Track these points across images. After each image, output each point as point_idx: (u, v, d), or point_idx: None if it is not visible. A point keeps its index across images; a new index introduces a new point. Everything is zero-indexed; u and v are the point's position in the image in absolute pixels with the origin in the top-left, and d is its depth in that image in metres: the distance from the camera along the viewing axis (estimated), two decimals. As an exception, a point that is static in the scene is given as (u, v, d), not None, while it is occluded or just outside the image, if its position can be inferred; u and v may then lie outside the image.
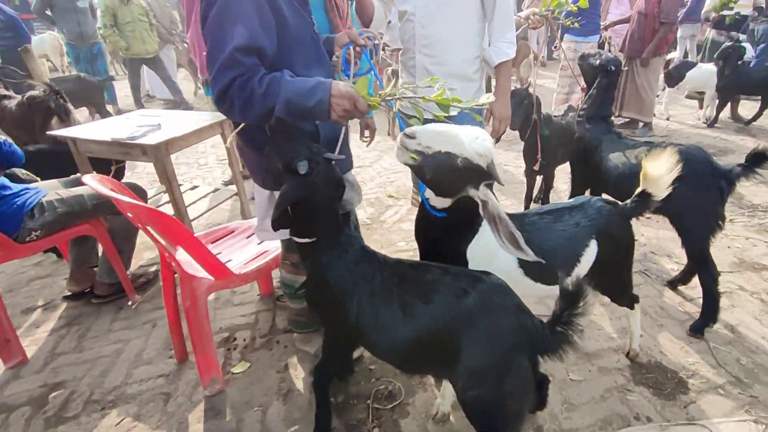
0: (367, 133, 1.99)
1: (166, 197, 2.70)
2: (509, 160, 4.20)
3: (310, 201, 1.21)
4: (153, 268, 2.62)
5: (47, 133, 2.51)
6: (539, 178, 3.01)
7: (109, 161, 2.74)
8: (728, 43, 4.53)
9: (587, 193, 2.39)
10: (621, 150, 2.10)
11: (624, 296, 1.72)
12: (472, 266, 1.36)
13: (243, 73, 1.12)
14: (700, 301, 2.04)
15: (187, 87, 7.38)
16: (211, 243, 1.93)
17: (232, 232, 2.00)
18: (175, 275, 1.84)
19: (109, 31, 5.54)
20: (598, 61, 2.22)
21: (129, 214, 1.46)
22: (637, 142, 2.17)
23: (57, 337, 2.13)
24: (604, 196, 1.92)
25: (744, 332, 1.99)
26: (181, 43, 6.87)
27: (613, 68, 2.20)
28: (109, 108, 5.57)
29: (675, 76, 4.92)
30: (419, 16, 1.78)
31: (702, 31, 6.51)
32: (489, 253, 1.37)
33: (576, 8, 2.29)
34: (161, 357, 1.98)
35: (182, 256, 1.66)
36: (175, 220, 1.43)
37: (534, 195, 3.01)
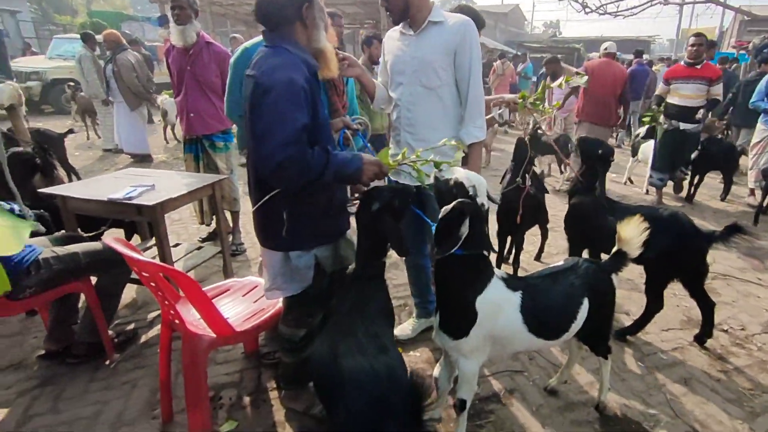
0: None
1: (149, 254, 2.72)
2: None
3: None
4: (131, 326, 2.59)
5: (38, 191, 2.52)
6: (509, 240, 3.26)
7: (93, 219, 2.76)
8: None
9: (584, 253, 2.73)
10: (623, 214, 2.34)
11: (602, 346, 1.93)
12: (480, 319, 1.54)
13: (302, 149, 1.36)
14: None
15: (154, 141, 7.48)
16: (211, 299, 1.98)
17: (228, 290, 2.07)
18: (173, 333, 1.87)
19: None
20: (600, 151, 2.62)
21: (144, 273, 1.53)
22: (633, 207, 2.66)
23: (30, 398, 2.05)
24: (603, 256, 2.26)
25: (695, 385, 2.22)
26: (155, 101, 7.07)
27: (612, 159, 2.67)
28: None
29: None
30: (404, 102, 2.08)
31: (643, 106, 7.54)
32: (496, 306, 1.56)
33: (551, 110, 2.68)
34: (144, 418, 1.95)
35: (186, 314, 1.72)
36: (188, 277, 1.51)
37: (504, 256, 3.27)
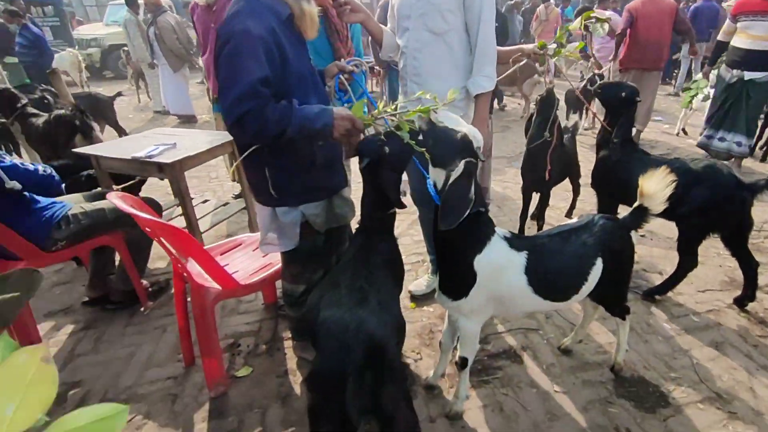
0: None
1: (179, 210, 2.87)
2: (508, 177, 4.31)
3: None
4: (164, 277, 2.78)
5: (72, 150, 2.69)
6: (535, 196, 3.11)
7: (128, 176, 2.92)
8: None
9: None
10: (653, 167, 2.28)
11: (619, 306, 1.83)
12: (480, 279, 1.48)
13: (259, 103, 1.30)
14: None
15: (203, 103, 7.68)
16: (220, 255, 2.07)
17: (240, 244, 2.14)
18: (186, 285, 1.98)
19: None
20: (624, 93, 2.37)
21: (147, 228, 1.61)
22: (665, 159, 2.40)
23: (75, 339, 2.29)
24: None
25: (728, 350, 2.06)
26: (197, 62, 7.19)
27: (638, 99, 2.39)
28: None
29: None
30: (411, 49, 1.94)
31: (707, 49, 6.64)
32: (497, 267, 1.49)
33: (578, 56, 2.42)
34: (170, 360, 2.12)
35: (193, 267, 1.81)
36: (187, 234, 1.57)
37: (530, 213, 3.12)
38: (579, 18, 2.35)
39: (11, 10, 6.88)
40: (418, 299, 2.47)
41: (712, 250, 2.77)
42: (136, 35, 7.07)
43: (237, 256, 2.07)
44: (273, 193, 1.53)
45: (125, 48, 8.84)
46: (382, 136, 1.40)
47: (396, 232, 3.23)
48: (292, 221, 1.59)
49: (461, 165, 1.32)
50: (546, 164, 2.60)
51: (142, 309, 2.48)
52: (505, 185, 4.14)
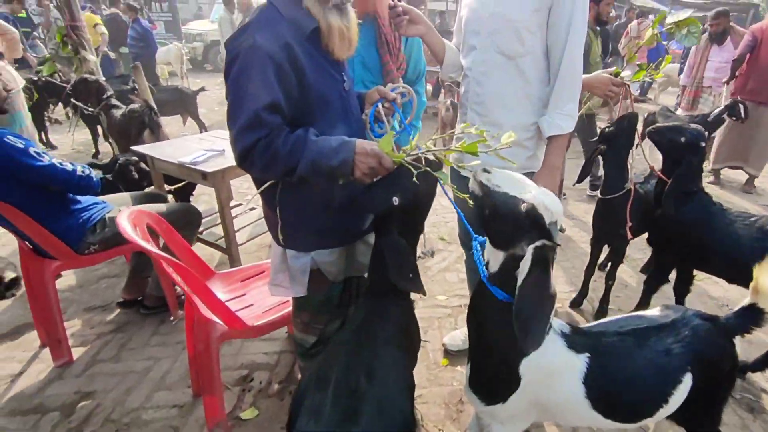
0: None
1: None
2: (578, 212, 3.75)
3: None
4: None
5: (131, 148, 2.72)
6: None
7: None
8: None
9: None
10: (738, 223, 1.93)
11: None
12: (524, 385, 1.14)
13: (268, 134, 1.10)
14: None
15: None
16: (240, 281, 1.91)
17: (263, 272, 1.97)
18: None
19: None
20: (684, 139, 1.92)
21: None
22: (755, 214, 1.96)
23: (102, 342, 2.26)
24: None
25: None
26: None
27: (704, 144, 1.94)
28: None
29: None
30: (475, 72, 1.61)
31: None
32: (549, 374, 1.14)
33: (661, 74, 1.94)
34: (181, 385, 2.00)
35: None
36: (187, 270, 1.41)
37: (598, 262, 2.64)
38: (650, 26, 1.87)
39: (130, 4, 7.54)
40: (452, 355, 2.14)
41: None
42: (228, 33, 7.39)
43: (257, 285, 1.90)
44: (280, 235, 1.32)
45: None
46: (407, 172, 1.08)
47: (441, 265, 2.96)
48: (301, 268, 1.35)
49: (529, 252, 0.97)
50: (625, 218, 2.14)
51: (171, 318, 2.41)
52: (573, 222, 3.61)
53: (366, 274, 1.44)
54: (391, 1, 1.56)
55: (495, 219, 1.05)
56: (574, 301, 2.63)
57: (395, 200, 1.13)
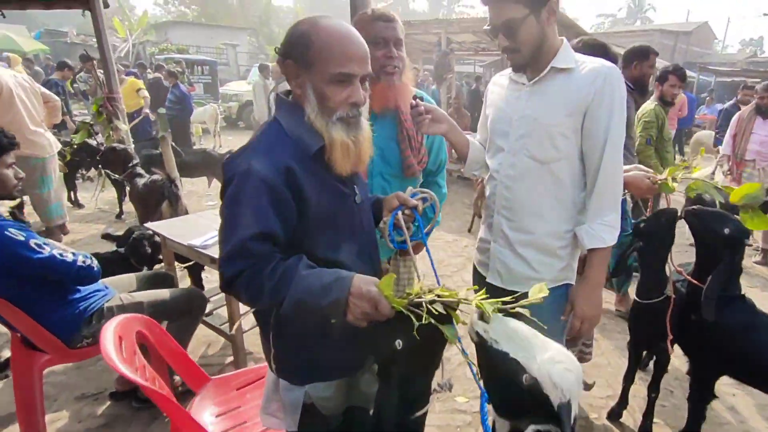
0: None
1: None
2: (611, 300, 3.44)
3: None
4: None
5: (146, 225, 2.66)
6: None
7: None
8: None
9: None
10: None
11: None
12: None
13: (254, 264, 0.98)
14: None
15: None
16: (237, 390, 1.73)
17: (263, 377, 1.77)
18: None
19: None
20: (727, 230, 1.70)
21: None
22: None
23: (86, 441, 2.08)
24: None
25: None
26: None
27: (747, 241, 1.76)
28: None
29: None
30: (502, 175, 1.47)
31: None
32: None
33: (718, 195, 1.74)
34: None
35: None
36: (168, 399, 1.24)
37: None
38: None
39: (171, 71, 8.03)
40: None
41: None
42: (261, 96, 7.74)
43: (254, 395, 1.70)
44: (273, 363, 1.17)
45: (256, 105, 9.91)
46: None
47: (459, 357, 2.67)
48: (293, 402, 1.17)
49: None
50: (665, 328, 1.88)
51: (164, 415, 2.21)
52: (607, 304, 3.30)
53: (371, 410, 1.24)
54: (413, 100, 1.47)
55: (492, 381, 0.89)
56: (612, 413, 2.31)
57: (398, 344, 0.95)
